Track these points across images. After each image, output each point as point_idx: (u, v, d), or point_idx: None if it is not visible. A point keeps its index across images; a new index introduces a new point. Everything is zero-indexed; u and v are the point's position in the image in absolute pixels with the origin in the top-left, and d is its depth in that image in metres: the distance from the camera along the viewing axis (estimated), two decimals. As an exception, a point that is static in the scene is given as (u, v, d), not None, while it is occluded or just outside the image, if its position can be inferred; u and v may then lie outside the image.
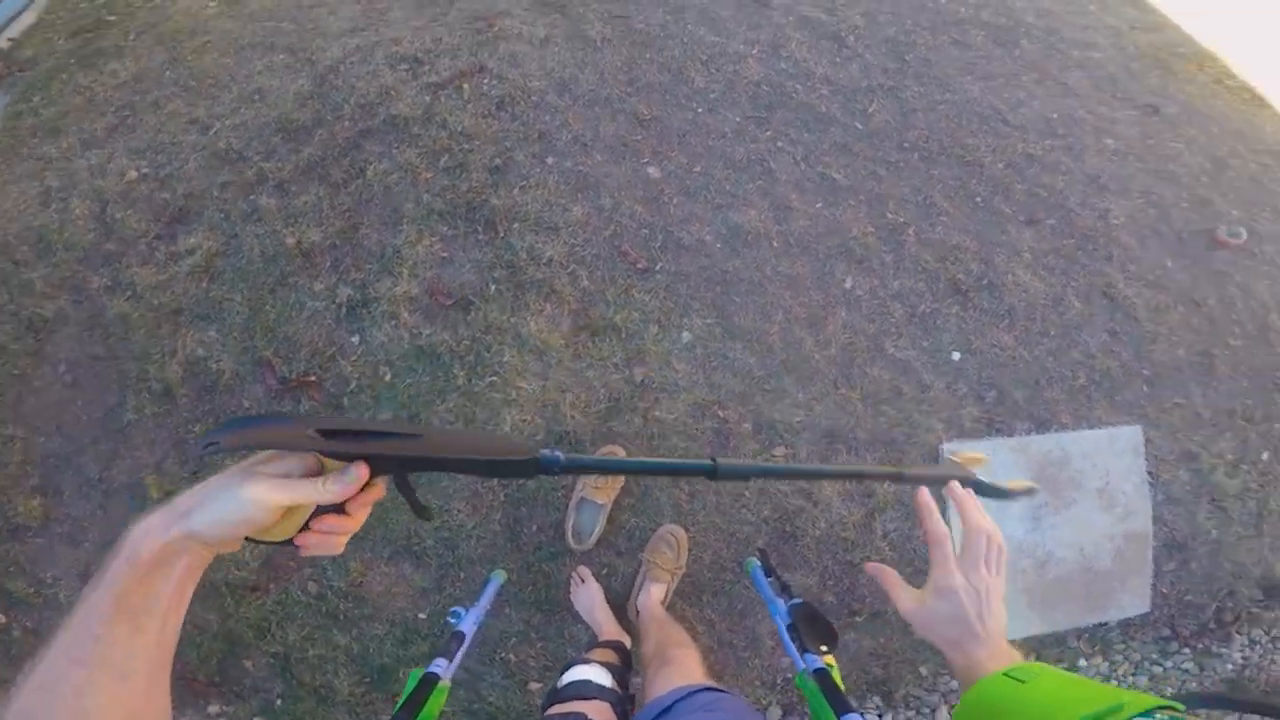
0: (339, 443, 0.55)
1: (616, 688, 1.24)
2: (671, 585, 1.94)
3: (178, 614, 0.54)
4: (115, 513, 2.00)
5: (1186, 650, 2.19)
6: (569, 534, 1.93)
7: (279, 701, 1.89)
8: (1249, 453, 2.31)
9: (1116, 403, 2.27)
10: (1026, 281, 2.35)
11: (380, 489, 0.59)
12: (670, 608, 1.95)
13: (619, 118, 2.45)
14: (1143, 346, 2.34)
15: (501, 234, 2.22)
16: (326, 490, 0.55)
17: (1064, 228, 2.49)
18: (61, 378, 2.12)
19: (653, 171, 2.37)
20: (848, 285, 2.28)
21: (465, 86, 2.45)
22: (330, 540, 0.58)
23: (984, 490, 0.81)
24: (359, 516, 0.60)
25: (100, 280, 2.21)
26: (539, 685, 1.93)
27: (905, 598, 0.75)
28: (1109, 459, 2.20)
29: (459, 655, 1.20)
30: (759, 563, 1.50)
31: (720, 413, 2.08)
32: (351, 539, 0.60)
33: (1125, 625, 2.18)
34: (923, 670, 2.03)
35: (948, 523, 0.75)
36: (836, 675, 1.01)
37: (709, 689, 1.11)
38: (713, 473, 0.68)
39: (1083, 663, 2.15)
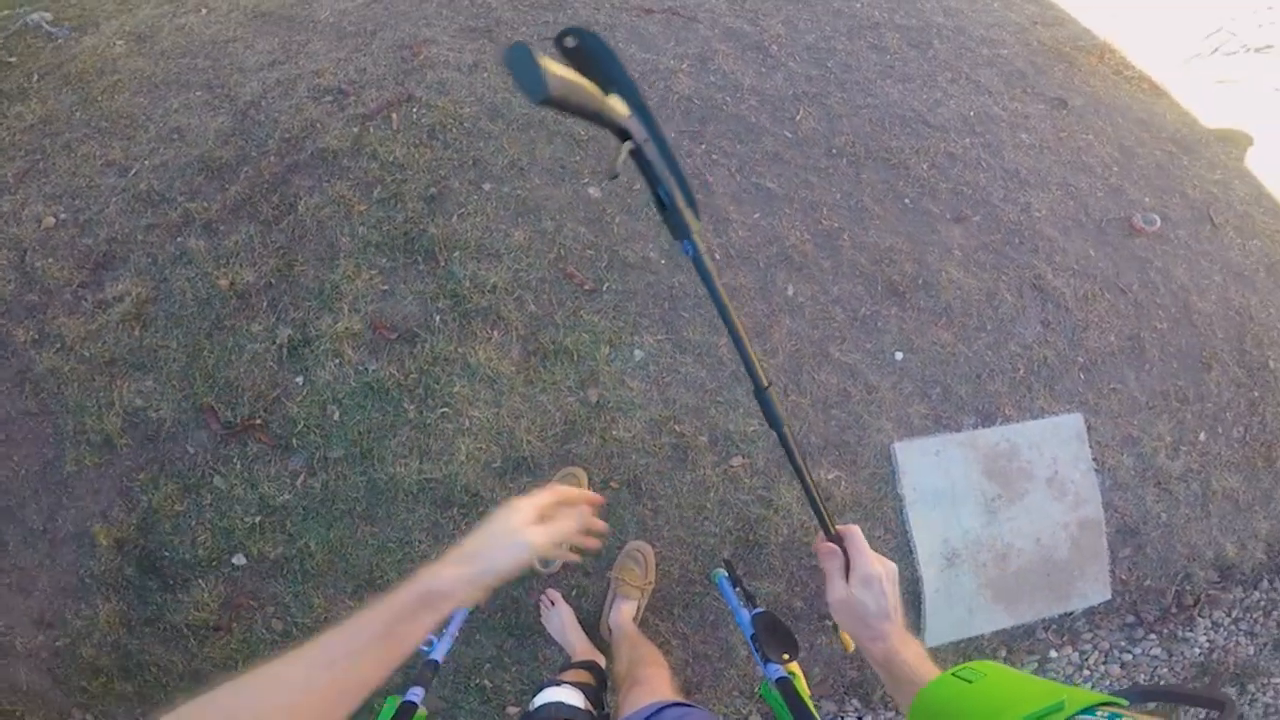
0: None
1: (590, 708, 1.25)
2: (642, 601, 1.94)
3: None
4: (64, 560, 1.94)
5: (1153, 636, 2.29)
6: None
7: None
8: (1186, 433, 2.44)
9: (1056, 392, 2.37)
10: (960, 279, 2.44)
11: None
12: (642, 623, 1.96)
13: (555, 140, 2.44)
14: (1075, 335, 2.45)
15: (443, 263, 2.19)
16: (570, 527, 0.79)
17: (990, 223, 2.59)
18: (-9, 437, 2.01)
19: (593, 192, 2.38)
20: (790, 293, 2.32)
21: (394, 116, 2.41)
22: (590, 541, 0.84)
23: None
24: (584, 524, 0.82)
25: (26, 333, 2.10)
26: (516, 709, 1.93)
27: (838, 587, 0.80)
28: (1055, 447, 2.30)
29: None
30: (725, 573, 1.52)
31: (677, 428, 2.10)
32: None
33: (1090, 614, 2.27)
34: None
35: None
36: (800, 683, 1.04)
37: (677, 704, 1.13)
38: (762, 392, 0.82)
39: (1054, 654, 2.22)
